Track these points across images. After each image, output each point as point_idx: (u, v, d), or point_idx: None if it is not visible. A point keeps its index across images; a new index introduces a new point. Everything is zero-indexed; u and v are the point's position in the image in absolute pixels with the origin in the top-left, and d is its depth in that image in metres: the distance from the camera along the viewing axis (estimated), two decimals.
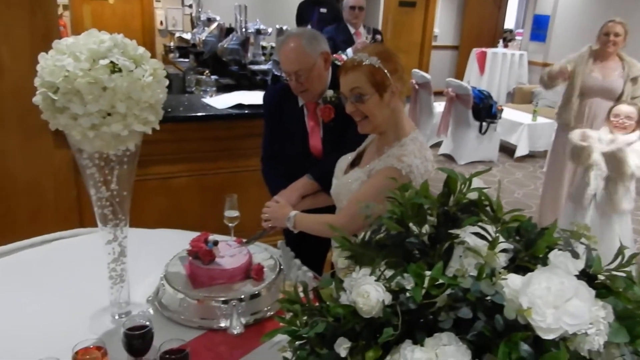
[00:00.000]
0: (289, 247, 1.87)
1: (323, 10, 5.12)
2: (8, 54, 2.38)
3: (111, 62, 1.20)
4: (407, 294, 0.90)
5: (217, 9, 5.82)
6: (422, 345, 0.89)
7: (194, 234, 1.70)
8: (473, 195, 1.04)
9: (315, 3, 5.14)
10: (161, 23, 7.69)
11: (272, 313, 1.55)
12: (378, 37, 4.40)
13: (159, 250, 1.78)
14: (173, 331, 1.43)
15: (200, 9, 5.58)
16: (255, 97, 3.00)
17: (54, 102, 1.20)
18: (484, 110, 5.93)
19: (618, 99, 3.71)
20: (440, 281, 0.89)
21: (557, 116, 4.08)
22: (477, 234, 1.00)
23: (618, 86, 3.74)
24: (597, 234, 1.05)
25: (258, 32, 4.13)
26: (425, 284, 0.89)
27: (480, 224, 1.01)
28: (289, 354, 1.04)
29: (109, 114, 1.21)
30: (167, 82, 1.32)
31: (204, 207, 2.83)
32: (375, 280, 0.92)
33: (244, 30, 4.14)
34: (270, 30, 4.24)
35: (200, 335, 1.46)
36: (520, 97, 7.76)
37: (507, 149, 6.54)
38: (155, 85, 1.26)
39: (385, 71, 1.58)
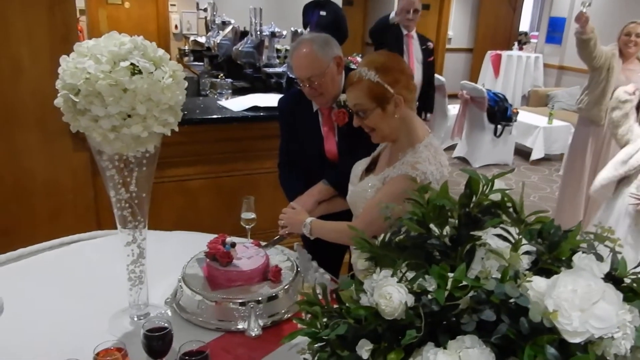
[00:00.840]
0: (305, 250, 1.87)
1: (323, 13, 5.10)
2: (28, 56, 2.41)
3: (131, 64, 1.20)
4: (430, 296, 0.89)
5: (232, 12, 5.85)
6: (444, 347, 0.88)
7: (211, 236, 1.71)
8: (495, 197, 1.03)
9: (317, 6, 5.11)
10: (176, 27, 7.74)
11: (289, 315, 1.55)
12: (430, 44, 4.35)
13: (177, 252, 1.78)
14: (191, 333, 1.43)
15: (215, 13, 5.61)
16: (270, 100, 3.00)
17: (75, 104, 1.21)
18: (499, 112, 5.89)
19: None
20: (464, 283, 0.88)
21: (583, 112, 3.96)
22: (499, 236, 0.99)
23: None
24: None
25: (273, 34, 4.14)
26: (448, 286, 0.87)
27: (502, 225, 1.00)
28: (308, 356, 1.04)
29: (129, 116, 1.22)
30: (186, 84, 1.33)
31: (220, 209, 2.84)
32: (397, 282, 0.91)
33: (258, 33, 4.15)
34: (285, 32, 4.25)
35: (218, 337, 1.46)
36: (536, 100, 7.69)
37: (522, 152, 6.49)
38: (174, 87, 1.27)
39: (385, 84, 1.57)
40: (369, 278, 1.02)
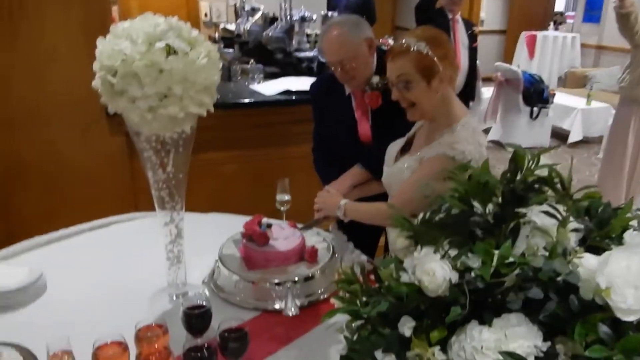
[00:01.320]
0: (341, 231, 1.86)
1: None
2: (64, 44, 2.45)
3: (167, 44, 1.20)
4: (474, 273, 0.87)
5: None
6: (489, 325, 0.85)
7: (246, 218, 1.72)
8: (541, 173, 0.99)
9: None
10: (205, 15, 7.76)
11: (326, 296, 1.54)
12: (475, 29, 4.24)
13: (212, 234, 1.79)
14: (229, 312, 1.44)
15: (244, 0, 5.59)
16: (302, 83, 2.99)
17: (113, 86, 1.22)
18: (535, 94, 5.75)
19: None
20: (510, 260, 0.85)
21: (625, 91, 3.83)
22: (546, 213, 0.95)
23: None
24: None
25: (303, 19, 4.11)
26: (494, 263, 0.85)
27: (548, 202, 0.97)
28: (347, 334, 1.03)
29: (165, 97, 1.22)
30: (220, 65, 1.32)
31: (253, 192, 2.84)
32: (441, 259, 0.89)
33: (288, 18, 4.12)
34: (315, 17, 4.22)
35: (256, 316, 1.47)
36: (573, 81, 7.46)
37: (559, 135, 6.32)
38: (210, 67, 1.26)
39: (434, 57, 1.52)
40: (410, 256, 1.01)
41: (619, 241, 0.94)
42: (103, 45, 1.22)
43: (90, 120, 2.53)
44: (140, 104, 1.21)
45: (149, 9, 1.32)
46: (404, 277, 0.98)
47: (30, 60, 2.46)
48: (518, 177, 0.98)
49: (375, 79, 1.94)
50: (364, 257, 1.72)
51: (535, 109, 5.83)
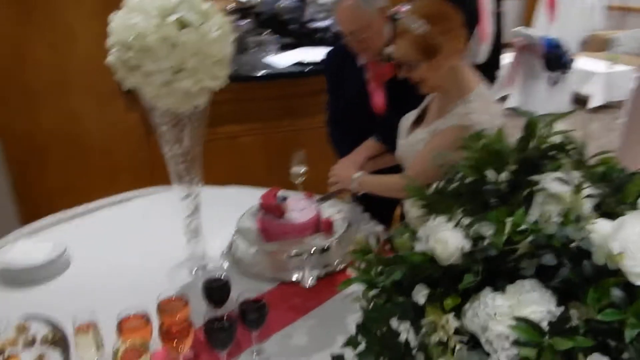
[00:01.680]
0: (357, 202, 1.87)
1: None
2: (78, 21, 2.46)
3: (179, 17, 1.21)
4: (487, 241, 0.88)
5: None
6: (503, 292, 0.86)
7: (262, 191, 1.73)
8: (555, 140, 0.99)
9: None
10: None
11: (342, 266, 1.57)
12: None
13: (229, 207, 1.81)
14: (247, 284, 1.47)
15: None
16: (315, 54, 2.96)
17: (127, 61, 1.23)
18: (555, 60, 5.62)
19: None
20: (522, 227, 0.86)
21: None
22: (560, 180, 0.95)
23: None
24: None
25: None
26: (507, 230, 0.85)
27: (562, 169, 0.97)
28: (363, 304, 1.05)
29: (180, 71, 1.23)
30: (233, 37, 1.32)
31: (269, 165, 2.86)
32: (453, 228, 0.90)
33: None
34: None
35: (273, 287, 1.50)
36: (595, 45, 7.24)
37: (580, 101, 6.19)
38: (223, 40, 1.27)
39: (435, 35, 1.49)
40: (423, 225, 1.02)
41: (633, 206, 0.94)
42: (117, 20, 1.23)
43: (106, 96, 2.56)
44: (155, 79, 1.22)
45: None
46: (418, 246, 0.99)
47: (45, 34, 2.47)
48: (531, 145, 0.98)
49: (389, 49, 1.91)
50: (379, 228, 1.73)
51: (555, 74, 5.71)
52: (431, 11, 1.51)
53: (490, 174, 0.99)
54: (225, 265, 1.60)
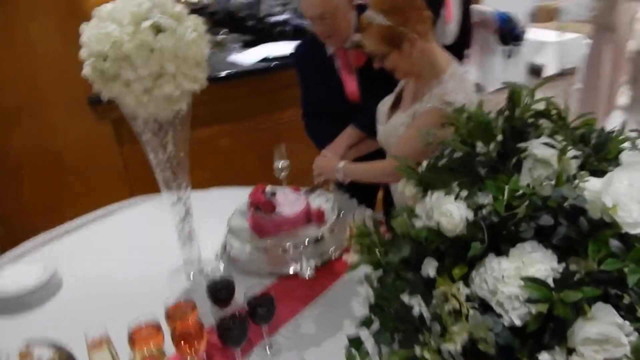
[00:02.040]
0: (342, 190, 1.90)
1: None
2: (37, 30, 2.40)
3: (153, 22, 1.20)
4: (487, 209, 0.91)
5: None
6: (507, 256, 0.90)
7: (246, 190, 1.74)
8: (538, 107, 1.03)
9: None
10: None
11: (338, 254, 1.59)
12: None
13: (216, 209, 1.82)
14: (247, 282, 1.47)
15: None
16: (280, 49, 2.96)
17: (105, 72, 1.22)
18: (508, 33, 5.74)
19: None
20: (520, 192, 0.89)
21: (598, 19, 3.88)
22: (545, 144, 0.99)
23: None
24: None
25: None
26: (506, 197, 0.89)
27: (546, 134, 1.01)
28: (374, 284, 1.07)
29: (159, 76, 1.22)
30: (208, 37, 1.32)
31: (250, 163, 2.85)
32: (455, 200, 0.93)
33: None
34: None
35: (274, 282, 1.51)
36: (544, 15, 7.46)
37: (534, 71, 6.36)
38: (199, 41, 1.27)
39: (396, 25, 1.52)
40: (421, 203, 1.05)
41: (616, 163, 0.99)
42: (90, 30, 1.21)
43: (74, 108, 2.51)
44: (135, 87, 1.21)
45: None
46: (418, 223, 1.02)
47: (7, 51, 2.41)
48: (517, 114, 1.02)
49: (357, 37, 1.93)
50: (369, 212, 1.77)
51: (509, 47, 5.84)
52: (386, 4, 1.54)
53: (480, 145, 1.03)
54: (222, 266, 1.60)
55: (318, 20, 1.89)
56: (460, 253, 0.93)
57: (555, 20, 6.88)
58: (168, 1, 1.26)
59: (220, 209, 1.78)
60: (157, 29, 1.20)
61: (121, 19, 1.19)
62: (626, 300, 0.83)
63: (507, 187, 0.90)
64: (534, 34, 6.37)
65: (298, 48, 2.22)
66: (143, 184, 2.69)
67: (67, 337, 1.23)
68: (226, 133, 2.92)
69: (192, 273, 1.57)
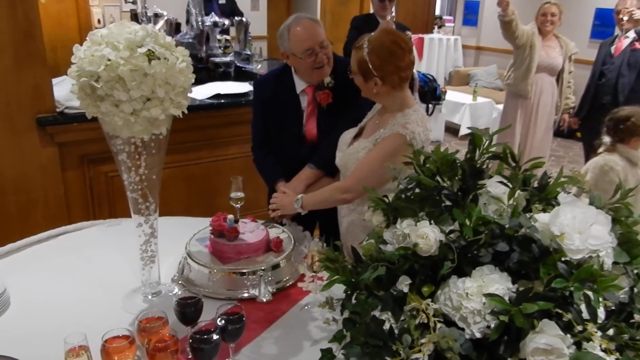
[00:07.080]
0: (295, 222, 1.99)
1: (222, 1, 5.44)
2: None
3: (148, 49, 1.27)
4: (456, 234, 1.06)
5: (161, 3, 5.75)
6: (470, 276, 1.04)
7: (187, 220, 1.83)
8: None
9: None
10: (99, 21, 7.44)
11: (292, 282, 1.67)
12: (408, 32, 4.09)
13: (164, 236, 1.81)
14: (206, 304, 1.51)
15: (146, 5, 5.49)
16: (231, 87, 3.06)
17: (94, 91, 1.26)
18: (430, 92, 6.20)
19: (558, 75, 4.07)
20: (485, 220, 1.05)
21: (511, 87, 4.31)
22: (501, 182, 1.17)
23: (559, 63, 4.10)
24: None
25: (215, 24, 4.16)
26: (473, 223, 1.04)
27: (501, 174, 1.19)
28: (345, 303, 1.17)
29: (148, 99, 1.29)
30: (192, 68, 1.41)
31: (189, 195, 2.86)
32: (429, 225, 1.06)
33: (200, 24, 4.15)
34: (226, 22, 4.28)
35: (232, 306, 1.55)
36: (458, 79, 8.15)
37: (451, 129, 6.89)
38: (187, 71, 1.35)
39: (370, 64, 1.71)
40: (391, 229, 1.18)
41: (556, 201, 1.17)
42: (82, 52, 1.26)
43: (20, 131, 2.42)
44: (124, 107, 1.26)
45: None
46: (388, 247, 1.15)
47: None
48: (477, 154, 1.18)
49: (327, 79, 2.06)
50: (321, 243, 1.86)
51: (430, 105, 6.30)
52: (380, 42, 1.73)
53: (444, 180, 1.18)
54: (178, 289, 1.62)
55: (318, 49, 1.98)
56: (429, 273, 1.06)
57: (469, 84, 7.53)
58: (159, 33, 1.33)
59: (167, 237, 1.74)
60: (150, 56, 1.27)
61: (116, 44, 1.26)
62: (565, 318, 0.99)
63: (473, 215, 1.05)
64: (452, 95, 6.93)
65: (264, 78, 2.30)
66: (83, 210, 2.64)
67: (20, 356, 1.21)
68: (168, 164, 2.89)
69: (150, 295, 1.58)
